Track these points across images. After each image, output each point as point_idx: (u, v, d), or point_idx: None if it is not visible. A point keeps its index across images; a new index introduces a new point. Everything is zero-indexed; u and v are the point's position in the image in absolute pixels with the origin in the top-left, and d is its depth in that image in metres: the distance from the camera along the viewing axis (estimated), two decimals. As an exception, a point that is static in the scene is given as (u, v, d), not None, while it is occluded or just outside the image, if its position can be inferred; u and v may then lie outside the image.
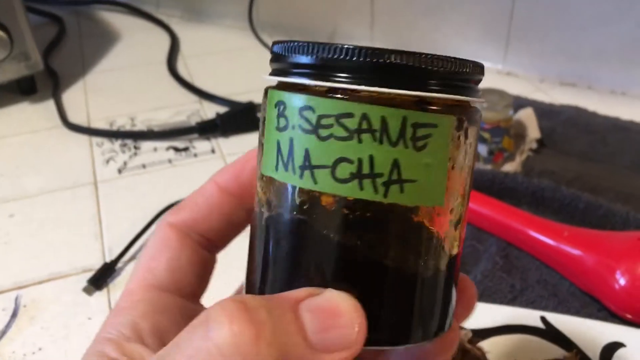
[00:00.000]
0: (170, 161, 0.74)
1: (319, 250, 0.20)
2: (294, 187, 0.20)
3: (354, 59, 0.19)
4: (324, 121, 0.19)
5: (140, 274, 0.24)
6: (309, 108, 0.19)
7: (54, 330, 0.52)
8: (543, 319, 0.47)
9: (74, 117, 0.83)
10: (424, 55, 0.19)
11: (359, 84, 0.19)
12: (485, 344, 0.45)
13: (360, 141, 0.19)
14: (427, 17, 0.94)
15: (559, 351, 0.45)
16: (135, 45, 1.06)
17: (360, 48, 0.19)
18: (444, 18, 0.93)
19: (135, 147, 0.76)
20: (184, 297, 0.24)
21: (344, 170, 0.19)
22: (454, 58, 0.20)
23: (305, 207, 0.20)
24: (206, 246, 0.25)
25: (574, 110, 0.79)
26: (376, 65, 0.19)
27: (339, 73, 0.20)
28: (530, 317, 0.47)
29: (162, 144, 0.77)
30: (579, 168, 0.68)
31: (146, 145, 0.77)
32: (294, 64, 0.20)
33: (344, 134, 0.19)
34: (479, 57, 0.85)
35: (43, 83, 0.91)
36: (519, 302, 0.51)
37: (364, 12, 0.99)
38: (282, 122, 0.20)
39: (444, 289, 0.22)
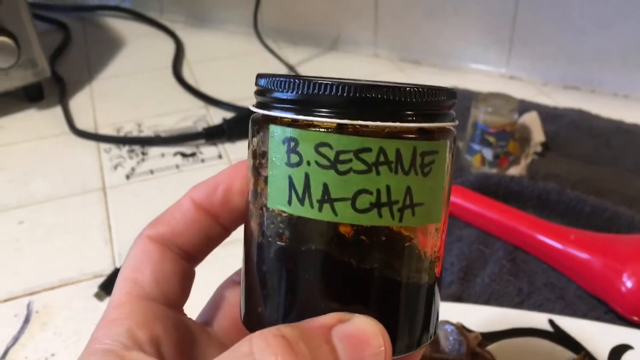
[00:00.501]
0: (177, 167, 0.74)
1: (337, 276, 0.21)
2: (311, 220, 0.21)
3: (364, 95, 0.21)
4: (342, 157, 0.20)
5: (127, 285, 0.24)
6: (326, 145, 0.20)
7: (66, 336, 0.52)
8: (551, 322, 0.47)
9: (81, 124, 0.83)
10: (421, 89, 0.21)
11: (372, 120, 0.21)
12: (494, 348, 0.45)
13: (378, 173, 0.21)
14: (431, 22, 0.95)
15: (568, 354, 0.45)
16: (140, 51, 1.07)
17: (371, 86, 0.20)
18: (447, 22, 0.94)
19: (143, 153, 0.77)
20: (170, 307, 0.25)
21: (364, 201, 0.21)
22: (439, 88, 0.22)
23: (322, 237, 0.21)
24: (185, 258, 0.26)
25: (577, 113, 0.79)
26: (385, 102, 0.21)
27: (349, 109, 0.21)
28: (539, 320, 0.47)
29: (169, 150, 0.78)
30: (584, 171, 0.69)
31: (153, 151, 0.78)
32: (303, 101, 0.21)
33: (362, 167, 0.20)
34: (482, 61, 0.87)
35: (50, 90, 0.91)
36: (527, 305, 0.52)
37: (367, 17, 1.00)
38: (294, 158, 0.21)
39: (435, 298, 0.24)
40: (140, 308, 0.23)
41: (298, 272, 0.22)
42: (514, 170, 0.67)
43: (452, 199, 0.61)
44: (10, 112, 0.87)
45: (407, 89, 0.21)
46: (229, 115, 0.83)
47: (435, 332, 0.24)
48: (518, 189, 0.63)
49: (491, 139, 0.66)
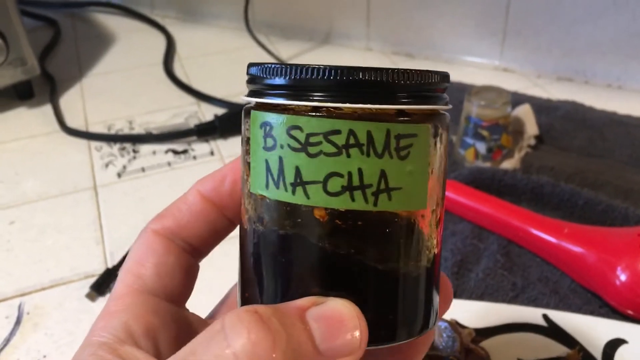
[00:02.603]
0: (169, 164, 0.74)
1: (315, 261, 0.21)
2: (286, 204, 0.21)
3: (337, 78, 0.20)
4: (312, 139, 0.20)
5: (128, 278, 0.24)
6: (297, 127, 0.21)
7: (58, 337, 0.52)
8: (545, 316, 0.47)
9: (72, 122, 0.83)
10: (398, 71, 0.21)
11: (344, 102, 0.20)
12: (489, 343, 0.45)
13: (349, 155, 0.20)
14: (423, 14, 0.94)
15: (562, 349, 0.45)
16: (131, 47, 1.06)
17: (342, 68, 0.21)
18: (440, 14, 0.93)
19: (134, 151, 0.76)
20: (171, 301, 0.25)
21: (335, 184, 0.20)
22: (423, 70, 0.21)
23: (298, 220, 0.21)
24: (190, 252, 0.26)
25: (571, 105, 0.79)
26: (358, 83, 0.20)
27: (323, 92, 0.21)
28: (533, 315, 0.47)
29: (161, 147, 0.77)
30: (578, 163, 0.68)
31: (145, 148, 0.77)
32: (277, 85, 0.22)
33: (333, 150, 0.20)
34: (475, 53, 0.86)
35: (40, 87, 0.91)
36: (521, 300, 0.52)
37: (359, 9, 0.99)
38: (270, 142, 0.21)
39: (428, 288, 0.23)
40: (139, 301, 0.23)
41: (277, 257, 0.22)
42: (508, 164, 0.67)
43: (446, 193, 0.61)
44: (0, 111, 0.87)
45: (383, 70, 0.21)
46: (220, 111, 0.83)
47: (433, 324, 0.24)
48: (512, 183, 0.62)
49: (484, 133, 0.66)
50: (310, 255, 0.21)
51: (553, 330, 0.46)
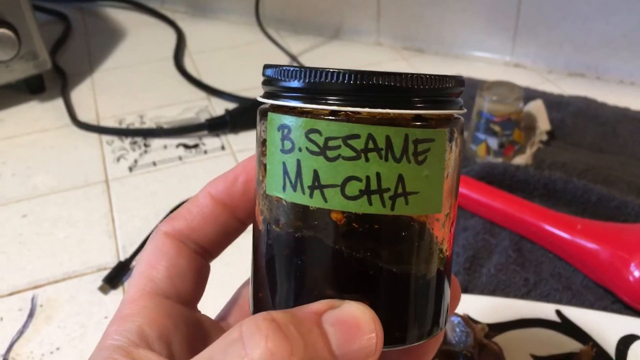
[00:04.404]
0: (180, 158, 0.74)
1: (331, 263, 0.22)
2: (303, 206, 0.21)
3: (356, 82, 0.21)
4: (331, 143, 0.21)
5: (140, 281, 0.24)
6: (316, 131, 0.21)
7: (70, 330, 0.52)
8: (558, 312, 0.47)
9: (83, 116, 0.83)
10: (416, 75, 0.21)
11: (363, 106, 0.21)
12: (501, 339, 0.45)
13: (367, 160, 0.20)
14: (434, 10, 0.94)
15: (575, 344, 0.45)
16: (141, 42, 1.06)
17: (361, 72, 0.21)
18: (451, 10, 0.93)
19: (145, 145, 0.77)
20: (183, 303, 0.25)
21: (353, 187, 0.21)
22: (440, 75, 0.22)
23: (315, 223, 0.21)
24: (201, 254, 0.26)
25: (583, 101, 0.79)
26: (376, 87, 0.21)
27: (342, 96, 0.21)
28: (546, 310, 0.47)
29: (172, 141, 0.77)
30: (590, 159, 0.68)
31: (156, 142, 0.77)
32: (295, 88, 0.22)
33: (351, 154, 0.21)
34: (486, 49, 0.86)
35: (51, 82, 0.91)
36: (533, 296, 0.52)
37: (370, 4, 0.99)
38: (288, 144, 0.21)
39: (440, 290, 0.23)
40: (152, 305, 0.24)
41: (293, 259, 0.22)
42: (520, 160, 0.67)
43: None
44: (11, 105, 0.87)
45: (401, 75, 0.21)
46: (231, 106, 0.83)
47: (444, 324, 0.24)
48: (524, 178, 0.62)
49: (496, 128, 0.65)
50: (325, 257, 0.21)
51: (566, 326, 0.46)
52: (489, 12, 0.90)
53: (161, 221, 0.26)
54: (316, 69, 0.21)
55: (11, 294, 0.56)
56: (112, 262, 0.58)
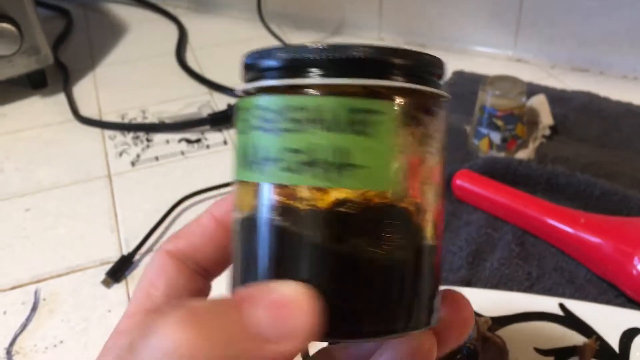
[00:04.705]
0: (182, 153, 0.74)
1: (275, 244, 0.21)
2: (256, 185, 0.21)
3: (299, 55, 0.20)
4: (276, 117, 0.20)
5: (140, 298, 0.25)
6: (263, 107, 0.21)
7: (74, 323, 0.52)
8: (562, 305, 0.47)
9: (85, 111, 0.83)
10: (365, 46, 0.20)
11: (306, 78, 0.20)
12: (505, 332, 0.45)
13: (311, 132, 0.20)
14: (436, 5, 0.94)
15: (579, 338, 0.45)
16: (143, 37, 1.06)
17: (303, 45, 0.20)
18: (453, 5, 0.93)
19: (148, 140, 0.77)
20: None
21: (296, 160, 0.20)
22: (397, 47, 0.21)
23: (260, 202, 0.21)
24: (202, 274, 0.26)
25: (586, 96, 0.78)
26: (321, 58, 0.20)
27: (286, 69, 0.21)
28: (549, 304, 0.47)
29: (174, 136, 0.77)
30: (593, 154, 0.68)
31: (158, 137, 0.77)
32: (246, 71, 0.22)
33: (295, 126, 0.20)
34: (488, 44, 0.85)
35: (53, 77, 0.91)
36: (536, 290, 0.52)
37: (372, 0, 0.99)
38: (241, 124, 0.22)
39: (417, 284, 0.21)
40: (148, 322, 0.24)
41: (248, 242, 0.22)
42: (522, 154, 0.67)
43: (461, 183, 0.60)
44: (13, 100, 0.87)
45: (347, 46, 0.20)
46: (233, 100, 0.82)
47: (423, 325, 0.22)
48: (527, 173, 0.62)
49: (499, 123, 0.65)
50: (269, 238, 0.21)
51: (569, 320, 0.46)
52: (491, 7, 0.90)
53: (166, 240, 0.26)
54: (261, 49, 0.21)
55: (14, 287, 0.56)
56: (114, 256, 0.58)
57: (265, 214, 0.21)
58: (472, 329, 0.42)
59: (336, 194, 0.20)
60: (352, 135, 0.20)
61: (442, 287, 0.23)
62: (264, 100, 0.21)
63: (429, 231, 0.22)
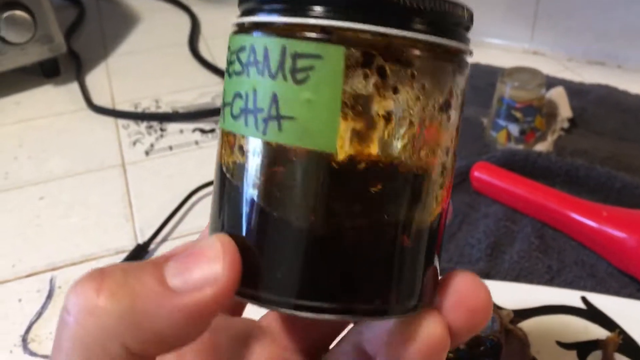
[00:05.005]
0: (196, 143, 0.74)
1: (227, 197, 0.20)
2: (220, 131, 0.20)
3: None
4: (231, 58, 0.19)
5: None
6: (229, 49, 0.20)
7: (89, 311, 0.52)
8: (584, 299, 0.46)
9: (98, 100, 0.83)
10: None
11: (252, 16, 0.19)
12: (526, 325, 0.45)
13: (248, 75, 0.18)
14: (452, -4, 0.93)
15: (601, 331, 0.44)
16: (156, 27, 1.06)
17: None
18: (469, -4, 0.92)
19: (162, 129, 0.76)
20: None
21: (237, 106, 0.19)
22: None
23: (220, 152, 0.20)
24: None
25: (604, 89, 0.78)
26: None
27: (241, 8, 0.20)
28: (571, 297, 0.47)
29: (188, 126, 0.77)
30: (611, 147, 0.67)
31: (172, 127, 0.77)
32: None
33: (239, 68, 0.19)
34: (505, 36, 0.84)
35: (66, 65, 0.90)
36: (557, 283, 0.51)
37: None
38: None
39: (362, 256, 0.18)
40: None
41: (213, 191, 0.21)
42: (541, 147, 0.66)
43: (479, 175, 0.60)
44: (26, 88, 0.87)
45: None
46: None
47: (395, 311, 0.19)
48: (546, 165, 0.61)
49: (518, 115, 0.65)
50: (222, 189, 0.20)
51: (592, 313, 0.46)
52: (509, 0, 0.89)
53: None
54: None
55: (29, 275, 0.55)
56: (129, 245, 0.58)
57: (218, 163, 0.20)
58: (495, 320, 0.42)
59: (269, 149, 0.18)
60: (282, 80, 0.17)
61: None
62: (230, 41, 0.20)
63: (379, 201, 0.18)
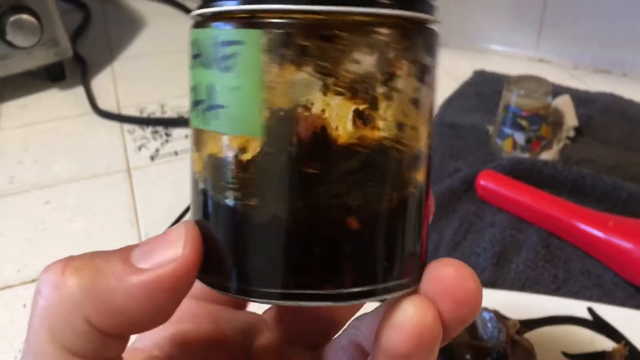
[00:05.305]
0: (202, 148, 0.73)
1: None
2: None
3: None
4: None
5: None
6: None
7: (94, 317, 0.52)
8: (590, 309, 0.46)
9: (104, 104, 0.83)
10: None
11: (194, 10, 0.19)
12: (532, 335, 0.44)
13: (194, 66, 0.19)
14: (458, 3, 0.93)
15: (607, 343, 0.44)
16: (161, 31, 1.06)
17: None
18: (475, 4, 0.92)
19: (167, 134, 0.76)
20: (216, 303, 0.25)
21: (190, 100, 0.19)
22: None
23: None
24: None
25: (609, 97, 0.78)
26: None
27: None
28: (577, 307, 0.46)
29: (193, 131, 0.77)
30: (618, 156, 0.67)
31: (177, 132, 0.77)
32: None
33: (190, 63, 0.19)
34: (510, 44, 0.84)
35: (71, 69, 0.91)
36: (563, 293, 0.51)
37: None
38: None
39: (306, 242, 0.18)
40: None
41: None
42: (547, 155, 0.66)
43: (484, 183, 0.60)
44: (32, 92, 0.87)
45: None
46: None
47: (388, 287, 0.18)
48: (552, 174, 0.61)
49: (524, 123, 0.65)
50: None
51: (598, 324, 0.45)
52: (514, 6, 0.89)
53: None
54: None
55: (34, 280, 0.55)
56: (135, 251, 0.58)
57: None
58: (502, 331, 0.42)
59: (208, 138, 0.18)
60: (215, 70, 0.18)
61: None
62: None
63: (315, 187, 0.18)
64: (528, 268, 0.53)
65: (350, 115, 0.17)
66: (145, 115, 0.81)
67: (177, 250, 0.18)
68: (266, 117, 0.17)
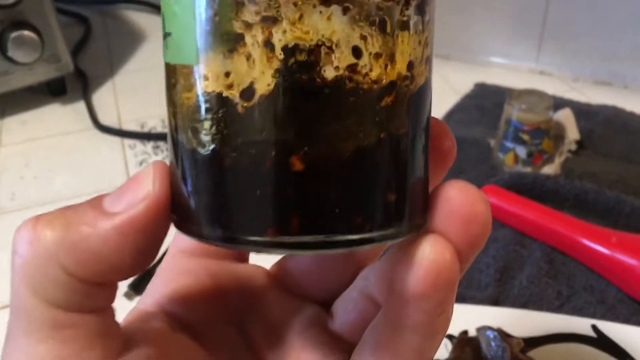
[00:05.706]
0: (203, 163, 0.73)
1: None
2: None
3: None
4: None
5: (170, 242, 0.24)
6: None
7: (96, 336, 0.51)
8: (594, 327, 0.46)
9: (105, 119, 0.83)
10: None
11: None
12: (536, 354, 0.44)
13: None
14: (459, 16, 0.93)
15: (612, 361, 0.44)
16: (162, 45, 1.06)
17: None
18: (476, 16, 0.92)
19: (168, 150, 0.76)
20: (214, 257, 0.24)
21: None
22: None
23: None
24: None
25: (611, 110, 0.78)
26: None
27: None
28: (581, 325, 0.46)
29: (194, 146, 0.77)
30: (620, 170, 0.67)
31: (178, 147, 0.77)
32: None
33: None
34: (511, 56, 0.84)
35: (72, 84, 0.91)
36: (566, 309, 0.51)
37: (392, 10, 0.98)
38: None
39: (267, 183, 0.16)
40: (172, 264, 0.24)
41: None
42: (548, 169, 0.66)
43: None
44: (33, 107, 0.87)
45: None
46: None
47: (394, 230, 0.17)
48: (554, 189, 0.61)
49: (525, 137, 0.64)
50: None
51: (602, 342, 0.45)
52: (515, 19, 0.89)
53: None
54: None
55: (35, 298, 0.55)
56: (136, 268, 0.57)
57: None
58: (505, 350, 0.41)
59: (167, 70, 0.18)
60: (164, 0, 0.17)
61: None
62: None
63: (266, 122, 0.16)
64: (532, 284, 0.52)
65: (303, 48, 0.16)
66: (146, 130, 0.81)
67: (147, 189, 0.18)
68: (208, 43, 0.16)
